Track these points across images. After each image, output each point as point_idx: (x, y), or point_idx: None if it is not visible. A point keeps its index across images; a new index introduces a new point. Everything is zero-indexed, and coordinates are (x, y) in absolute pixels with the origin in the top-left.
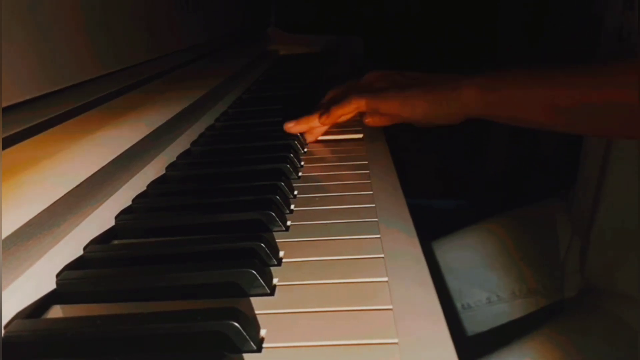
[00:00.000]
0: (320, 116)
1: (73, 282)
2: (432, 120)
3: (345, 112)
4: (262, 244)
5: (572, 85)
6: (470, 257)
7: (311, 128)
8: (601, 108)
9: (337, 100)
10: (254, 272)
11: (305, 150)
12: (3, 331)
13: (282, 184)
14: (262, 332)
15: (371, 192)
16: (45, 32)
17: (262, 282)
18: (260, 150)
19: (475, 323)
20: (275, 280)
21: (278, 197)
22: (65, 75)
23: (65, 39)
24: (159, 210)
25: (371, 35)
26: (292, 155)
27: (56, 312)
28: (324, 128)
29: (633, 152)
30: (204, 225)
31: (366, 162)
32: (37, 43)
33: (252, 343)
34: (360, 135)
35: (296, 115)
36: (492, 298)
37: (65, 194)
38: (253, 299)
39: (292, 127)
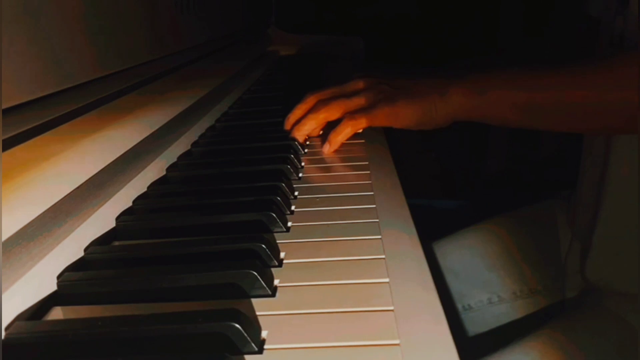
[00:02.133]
0: (323, 148)
1: (74, 284)
2: (422, 127)
3: (345, 138)
4: (263, 245)
5: (560, 84)
6: (471, 257)
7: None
8: (592, 105)
9: (331, 122)
10: (254, 273)
11: (306, 150)
12: (4, 333)
13: (283, 184)
14: (264, 334)
15: (372, 193)
16: (45, 33)
17: (263, 283)
18: (261, 151)
19: (477, 324)
20: (276, 281)
21: (279, 198)
22: (66, 77)
23: (66, 40)
24: (160, 211)
25: (371, 35)
26: (292, 156)
27: (57, 313)
28: (312, 127)
29: (633, 151)
30: (205, 226)
31: (366, 163)
32: (38, 44)
33: (253, 344)
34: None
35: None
36: (493, 299)
37: (66, 195)
38: (254, 300)
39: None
